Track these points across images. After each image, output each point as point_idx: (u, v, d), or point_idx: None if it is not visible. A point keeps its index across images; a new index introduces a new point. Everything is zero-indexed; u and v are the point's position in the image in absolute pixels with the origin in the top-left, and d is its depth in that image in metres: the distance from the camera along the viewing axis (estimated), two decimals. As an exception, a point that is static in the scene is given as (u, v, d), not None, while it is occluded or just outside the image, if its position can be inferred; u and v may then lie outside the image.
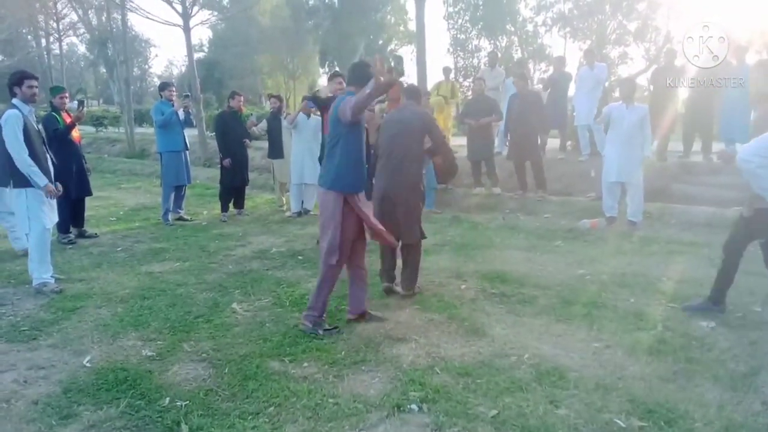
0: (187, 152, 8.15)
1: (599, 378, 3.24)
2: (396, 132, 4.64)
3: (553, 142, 11.00)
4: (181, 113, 8.02)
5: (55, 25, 27.47)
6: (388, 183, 4.61)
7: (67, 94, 6.99)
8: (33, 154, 4.90)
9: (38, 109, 5.46)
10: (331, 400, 3.03)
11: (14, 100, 5.00)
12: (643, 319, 4.10)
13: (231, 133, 8.26)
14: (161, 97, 8.13)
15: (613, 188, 7.00)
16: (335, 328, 4.01)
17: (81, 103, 7.05)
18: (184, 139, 8.02)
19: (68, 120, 6.72)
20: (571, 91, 10.48)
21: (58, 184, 5.16)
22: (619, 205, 7.08)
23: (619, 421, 2.79)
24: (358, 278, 4.17)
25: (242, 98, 8.63)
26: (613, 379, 3.23)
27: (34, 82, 5.09)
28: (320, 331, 3.94)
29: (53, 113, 6.74)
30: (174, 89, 8.25)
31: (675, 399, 3.00)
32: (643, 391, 3.09)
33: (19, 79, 5.01)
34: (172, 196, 8.04)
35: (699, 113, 8.84)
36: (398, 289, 4.78)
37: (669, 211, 7.57)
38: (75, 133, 6.89)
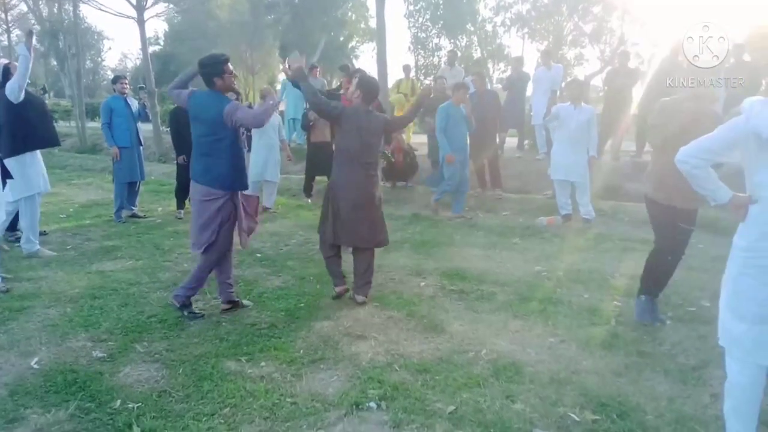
0: (141, 147, 7.93)
1: (554, 372, 3.29)
2: (366, 141, 4.41)
3: (511, 141, 11.16)
4: (135, 106, 7.81)
5: (3, 15, 26.42)
6: (360, 190, 4.42)
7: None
8: None
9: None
10: (288, 400, 3.00)
11: None
12: (597, 314, 4.19)
13: (185, 129, 8.06)
14: (114, 90, 7.90)
15: (564, 186, 7.16)
16: (201, 314, 4.22)
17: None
18: (137, 134, 7.80)
19: None
20: (529, 91, 10.65)
21: None
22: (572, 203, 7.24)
23: (573, 415, 2.85)
24: (226, 267, 4.32)
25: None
26: (568, 373, 3.29)
27: None
28: (185, 312, 4.16)
29: None
30: (126, 82, 8.03)
31: (627, 392, 3.08)
32: (597, 384, 3.16)
33: None
34: (125, 193, 7.84)
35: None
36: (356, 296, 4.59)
37: (622, 209, 7.77)
38: None
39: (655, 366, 3.40)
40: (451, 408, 2.90)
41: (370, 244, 4.58)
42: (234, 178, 4.09)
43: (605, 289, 4.78)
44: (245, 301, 4.47)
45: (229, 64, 4.13)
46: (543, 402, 2.97)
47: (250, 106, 5.42)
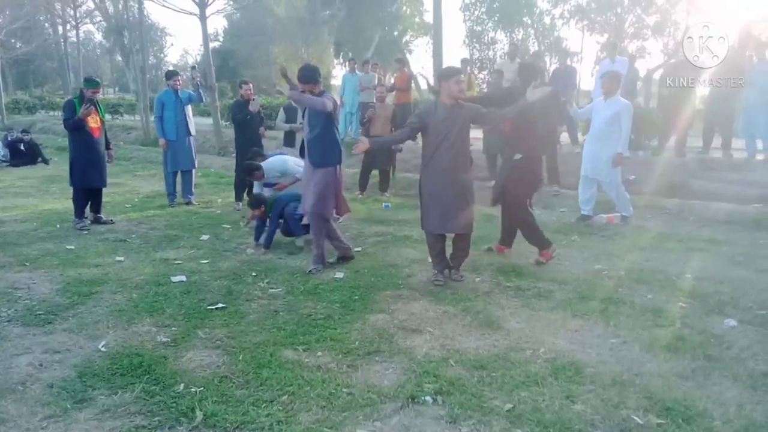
0: (190, 138, 8.39)
1: (616, 374, 3.20)
2: (450, 130, 4.65)
3: (565, 136, 10.88)
4: (185, 96, 8.23)
5: (72, 12, 27.60)
6: (457, 181, 4.73)
7: (99, 90, 7.02)
8: None
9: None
10: (344, 390, 3.02)
11: None
12: (661, 316, 4.04)
13: (245, 123, 8.27)
14: (168, 85, 8.34)
15: (586, 183, 6.92)
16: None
17: (90, 101, 6.87)
18: (186, 126, 8.26)
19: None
20: (589, 84, 10.35)
21: None
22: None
23: (636, 418, 2.76)
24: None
25: (251, 87, 8.53)
26: (630, 375, 3.19)
27: None
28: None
29: (74, 100, 6.80)
30: (179, 79, 8.45)
31: (693, 397, 2.96)
32: (661, 388, 3.05)
33: None
34: (172, 180, 8.44)
35: (720, 109, 8.72)
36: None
37: (688, 207, 7.48)
38: (93, 124, 6.86)
39: (723, 370, 3.26)
40: (509, 406, 2.85)
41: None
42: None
43: (669, 290, 4.60)
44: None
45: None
46: (605, 404, 2.88)
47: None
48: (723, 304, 4.25)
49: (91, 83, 7.00)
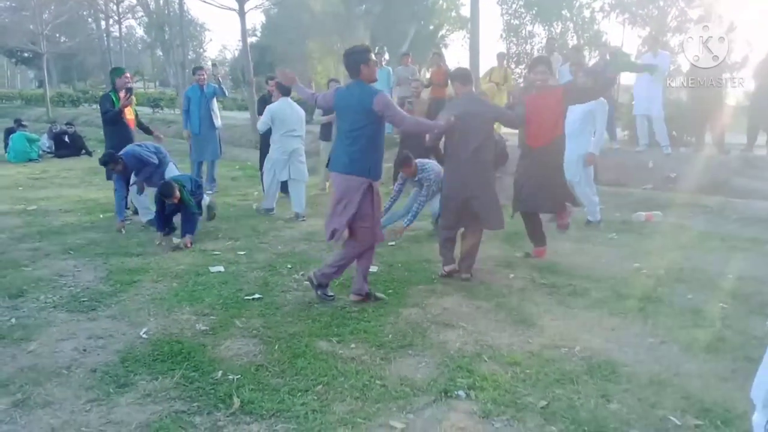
0: (215, 131, 8.82)
1: (653, 374, 3.15)
2: (472, 126, 4.61)
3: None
4: (210, 90, 8.62)
5: (114, 8, 28.25)
6: (469, 180, 4.67)
7: (128, 75, 7.15)
8: None
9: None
10: (378, 382, 3.05)
11: None
12: (701, 316, 3.96)
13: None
14: (194, 81, 8.79)
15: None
16: (332, 296, 4.30)
17: (129, 90, 7.02)
18: (210, 120, 8.67)
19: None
20: (630, 79, 10.15)
21: None
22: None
23: (673, 418, 2.72)
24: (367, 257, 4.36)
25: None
26: (668, 375, 3.14)
27: None
28: (318, 291, 4.26)
29: (110, 93, 6.96)
30: (203, 73, 8.82)
31: (733, 398, 2.89)
32: (700, 388, 3.00)
33: None
34: (199, 170, 8.93)
35: (765, 105, 8.44)
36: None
37: (730, 205, 7.28)
38: (129, 116, 7.03)
39: (765, 373, 3.18)
40: (543, 403, 2.84)
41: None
42: (372, 166, 4.11)
43: (710, 289, 4.50)
44: (378, 294, 4.35)
45: (372, 53, 4.20)
46: (641, 403, 2.85)
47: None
48: (765, 305, 4.15)
49: (119, 70, 7.18)
